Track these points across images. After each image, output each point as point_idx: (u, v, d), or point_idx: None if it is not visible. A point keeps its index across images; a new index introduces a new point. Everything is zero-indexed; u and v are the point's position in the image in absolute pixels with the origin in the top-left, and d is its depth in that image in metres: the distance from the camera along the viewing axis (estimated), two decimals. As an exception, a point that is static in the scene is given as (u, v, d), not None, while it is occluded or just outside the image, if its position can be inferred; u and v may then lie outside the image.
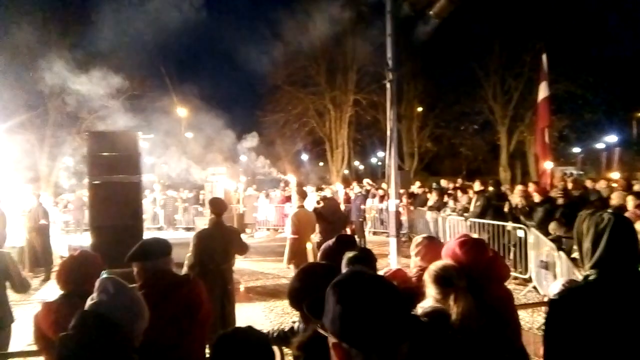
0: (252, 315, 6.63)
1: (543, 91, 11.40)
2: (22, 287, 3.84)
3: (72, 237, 13.48)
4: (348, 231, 12.51)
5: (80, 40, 18.42)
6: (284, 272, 9.44)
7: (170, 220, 16.13)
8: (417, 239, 2.93)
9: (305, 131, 26.95)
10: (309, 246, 5.83)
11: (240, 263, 8.22)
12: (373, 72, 22.88)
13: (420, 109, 26.64)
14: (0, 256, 3.74)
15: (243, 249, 5.17)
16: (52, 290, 8.13)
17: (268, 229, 16.04)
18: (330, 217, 7.05)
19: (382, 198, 14.07)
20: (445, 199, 11.99)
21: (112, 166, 5.87)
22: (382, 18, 6.23)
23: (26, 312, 5.31)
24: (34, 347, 4.87)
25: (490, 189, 9.54)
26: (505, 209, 8.81)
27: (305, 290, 1.74)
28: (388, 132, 6.09)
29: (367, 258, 2.32)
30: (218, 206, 5.06)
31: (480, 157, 29.98)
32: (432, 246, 2.76)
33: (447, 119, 26.62)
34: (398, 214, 6.27)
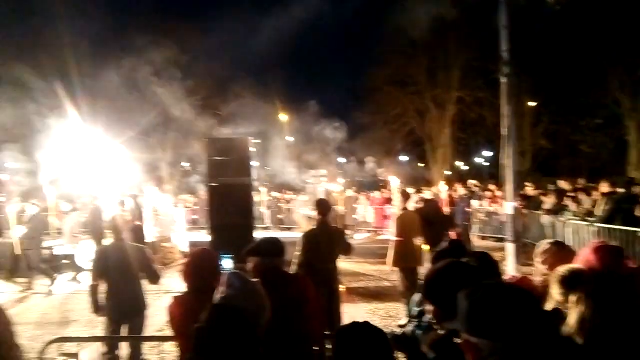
0: (356, 316, 6.63)
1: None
2: (155, 278, 4.28)
3: (193, 235, 14.78)
4: (453, 235, 12.00)
5: (194, 52, 20.33)
6: (386, 274, 9.33)
7: (275, 220, 16.89)
8: (543, 245, 2.68)
9: (405, 132, 26.46)
10: (426, 247, 5.68)
11: (340, 264, 8.28)
12: (478, 68, 21.73)
13: (532, 104, 24.61)
14: (138, 250, 4.22)
15: (348, 249, 5.21)
16: (176, 283, 8.95)
17: (368, 231, 16.01)
18: (431, 220, 6.76)
19: (490, 200, 13.26)
20: (565, 201, 10.90)
21: (226, 169, 6.31)
22: (492, 9, 5.86)
23: (156, 300, 5.91)
24: (165, 333, 5.39)
25: (620, 190, 8.45)
26: (638, 214, 7.75)
27: (444, 286, 1.68)
28: (504, 130, 5.70)
29: (490, 262, 2.20)
30: (324, 207, 5.16)
31: (604, 155, 26.75)
32: (562, 254, 2.50)
33: (565, 113, 24.21)
34: (515, 217, 5.83)
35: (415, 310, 2.79)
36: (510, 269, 5.95)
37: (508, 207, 5.92)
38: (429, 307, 1.81)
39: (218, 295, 1.81)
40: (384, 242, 13.17)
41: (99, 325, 5.98)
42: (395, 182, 11.64)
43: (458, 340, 1.18)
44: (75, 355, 2.69)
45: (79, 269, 8.83)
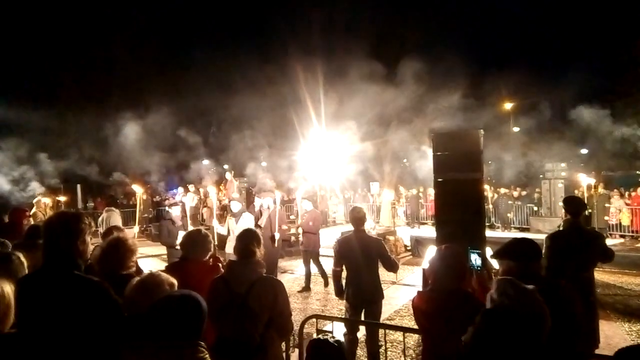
0: (613, 336, 5.61)
1: None
2: (394, 267, 4.46)
3: (416, 230, 15.06)
4: None
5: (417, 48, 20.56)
6: (655, 291, 7.59)
7: (503, 219, 15.63)
8: None
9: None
10: None
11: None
12: None
13: None
14: (375, 241, 4.47)
15: (607, 256, 4.37)
16: (400, 275, 9.21)
17: (622, 236, 13.27)
18: None
19: None
20: None
21: (455, 164, 6.07)
22: None
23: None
24: (393, 322, 5.56)
25: None
26: None
27: None
28: None
29: None
30: (574, 205, 4.46)
31: None
32: None
33: None
34: None
35: None
36: None
37: None
38: None
39: (489, 303, 1.71)
40: (647, 250, 10.69)
41: (336, 306, 6.65)
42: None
43: None
44: (329, 332, 3.00)
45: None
